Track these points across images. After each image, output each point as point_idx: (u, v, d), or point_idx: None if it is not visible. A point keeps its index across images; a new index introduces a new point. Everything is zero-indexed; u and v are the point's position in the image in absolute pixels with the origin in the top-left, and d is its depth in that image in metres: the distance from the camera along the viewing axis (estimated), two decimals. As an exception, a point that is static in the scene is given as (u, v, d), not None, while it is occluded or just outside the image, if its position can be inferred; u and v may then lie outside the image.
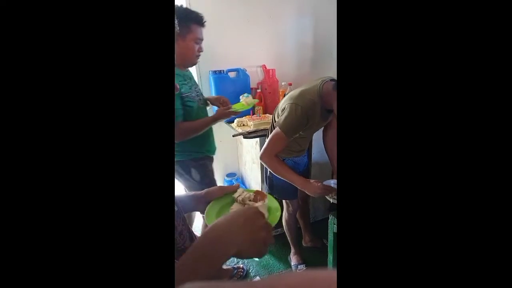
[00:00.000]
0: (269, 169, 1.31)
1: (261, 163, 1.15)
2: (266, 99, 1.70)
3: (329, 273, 0.15)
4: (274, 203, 0.56)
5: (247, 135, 1.41)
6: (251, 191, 0.58)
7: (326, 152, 1.37)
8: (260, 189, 1.54)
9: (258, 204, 0.53)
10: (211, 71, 1.59)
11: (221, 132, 1.76)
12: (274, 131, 1.07)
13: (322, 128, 1.30)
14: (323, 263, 1.30)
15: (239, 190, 0.58)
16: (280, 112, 1.09)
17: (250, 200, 0.54)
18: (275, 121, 1.17)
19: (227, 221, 0.37)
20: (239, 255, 0.36)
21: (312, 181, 1.10)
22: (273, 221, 0.52)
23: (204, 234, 0.36)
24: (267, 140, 1.10)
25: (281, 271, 1.50)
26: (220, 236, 0.35)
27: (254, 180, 1.64)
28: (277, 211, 0.54)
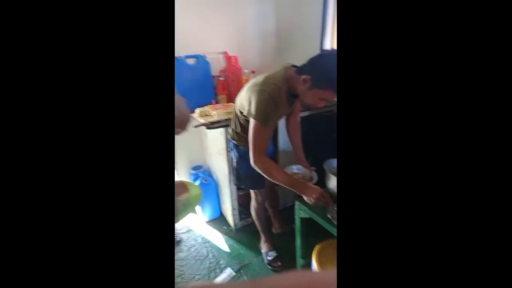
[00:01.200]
0: (234, 160, 1.28)
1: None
2: (230, 87, 1.65)
3: (330, 274, 0.15)
4: (194, 200, 0.60)
5: (211, 126, 1.36)
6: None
7: (289, 138, 1.38)
8: (226, 182, 1.51)
9: (181, 197, 0.55)
10: (169, 58, 1.49)
11: (183, 123, 1.67)
12: (250, 127, 1.02)
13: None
14: (292, 248, 1.33)
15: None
16: (245, 103, 1.05)
17: None
18: (241, 113, 1.13)
19: None
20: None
21: (312, 185, 1.04)
22: (184, 214, 0.58)
23: None
24: (249, 142, 1.03)
25: (250, 261, 1.50)
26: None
27: (221, 171, 1.60)
28: (191, 207, 0.59)
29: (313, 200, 0.99)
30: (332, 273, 0.15)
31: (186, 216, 0.61)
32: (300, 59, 1.06)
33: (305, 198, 1.02)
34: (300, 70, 1.00)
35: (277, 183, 1.03)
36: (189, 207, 0.58)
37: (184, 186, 0.59)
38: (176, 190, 0.56)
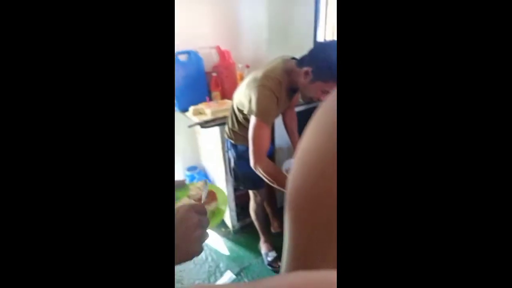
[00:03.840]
0: (232, 160, 1.22)
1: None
2: (224, 83, 1.57)
3: (330, 274, 0.15)
4: (223, 204, 0.55)
5: (205, 125, 1.29)
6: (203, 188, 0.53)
7: (287, 131, 1.33)
8: (223, 183, 1.45)
9: (210, 206, 0.50)
10: (158, 54, 1.40)
11: (175, 122, 1.59)
12: (251, 126, 0.94)
13: None
14: (293, 247, 1.30)
15: (192, 187, 0.53)
16: (245, 100, 0.97)
17: (195, 200, 0.50)
18: (239, 111, 1.06)
19: None
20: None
21: None
22: (216, 222, 0.51)
23: None
24: (250, 142, 0.95)
25: (250, 263, 1.46)
26: None
27: (217, 172, 1.54)
28: (222, 213, 0.53)
29: None
30: (332, 273, 0.15)
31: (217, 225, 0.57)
32: (294, 51, 1.00)
33: None
34: (300, 62, 0.94)
35: (279, 188, 0.97)
36: (219, 215, 0.53)
37: (213, 194, 0.54)
38: (206, 199, 0.51)
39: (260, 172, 0.96)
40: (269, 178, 0.96)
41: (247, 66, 1.54)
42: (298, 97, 1.26)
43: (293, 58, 1.00)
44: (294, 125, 1.31)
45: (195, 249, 0.38)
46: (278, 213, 1.63)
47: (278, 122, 1.37)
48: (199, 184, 0.53)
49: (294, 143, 1.31)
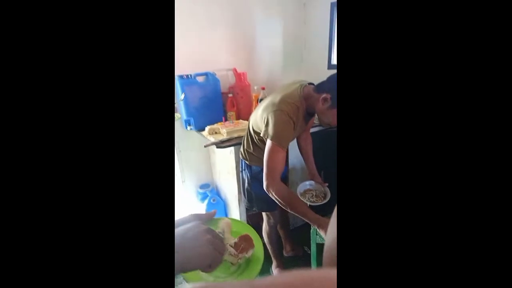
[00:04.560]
0: (246, 181, 1.22)
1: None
2: (239, 104, 1.61)
3: (330, 272, 0.14)
4: (259, 253, 0.48)
5: (220, 145, 1.31)
6: (235, 232, 0.49)
7: (301, 153, 1.33)
8: (235, 203, 1.45)
9: (241, 255, 0.45)
10: (178, 75, 1.46)
11: (191, 141, 1.63)
12: (267, 149, 0.95)
13: None
14: (306, 273, 1.24)
15: (222, 223, 0.48)
16: (261, 124, 0.99)
17: (231, 246, 0.45)
18: (255, 133, 1.08)
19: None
20: (182, 268, 0.35)
21: (327, 220, 0.98)
22: (254, 273, 0.45)
23: None
24: (265, 164, 0.95)
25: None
26: None
27: (230, 191, 1.53)
28: (259, 264, 0.47)
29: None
30: (332, 272, 0.14)
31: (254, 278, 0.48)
32: (308, 74, 1.01)
33: (321, 232, 0.93)
34: (319, 88, 0.96)
35: (290, 211, 0.95)
36: (256, 265, 0.46)
37: (249, 239, 0.48)
38: (241, 245, 0.45)
39: (272, 195, 0.95)
40: (281, 202, 0.94)
41: (263, 88, 1.58)
42: (314, 120, 1.27)
43: (310, 83, 1.02)
44: (309, 147, 1.31)
45: (207, 252, 0.36)
46: (291, 236, 1.59)
47: (293, 143, 1.37)
48: (228, 220, 0.49)
49: (308, 166, 1.30)
